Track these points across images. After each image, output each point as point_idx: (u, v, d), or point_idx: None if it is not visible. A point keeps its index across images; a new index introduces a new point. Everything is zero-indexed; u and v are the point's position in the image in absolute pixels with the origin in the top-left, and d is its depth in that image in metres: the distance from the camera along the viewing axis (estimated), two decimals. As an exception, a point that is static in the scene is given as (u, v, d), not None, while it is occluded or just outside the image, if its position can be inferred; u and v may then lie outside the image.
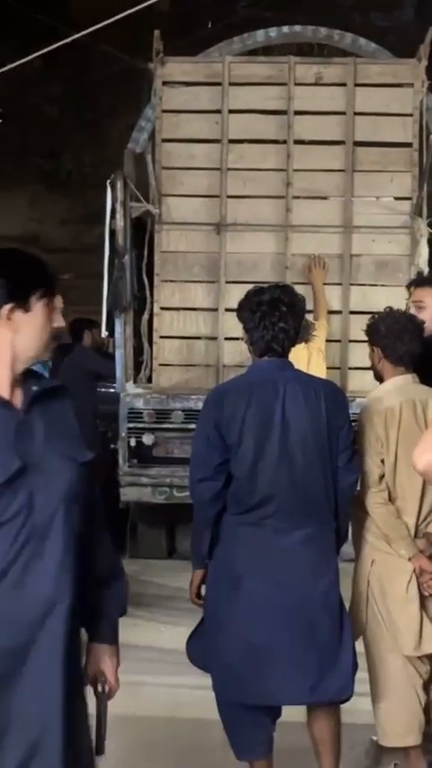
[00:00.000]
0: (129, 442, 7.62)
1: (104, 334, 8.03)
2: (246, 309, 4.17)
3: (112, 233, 7.64)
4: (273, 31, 8.28)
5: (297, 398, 3.99)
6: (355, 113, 7.67)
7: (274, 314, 4.08)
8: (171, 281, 7.67)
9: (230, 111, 7.67)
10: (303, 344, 6.33)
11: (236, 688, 3.98)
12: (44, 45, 8.42)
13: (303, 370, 4.61)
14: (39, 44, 8.52)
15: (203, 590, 4.21)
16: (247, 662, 3.94)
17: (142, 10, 7.95)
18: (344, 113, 7.67)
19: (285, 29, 8.30)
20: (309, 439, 3.99)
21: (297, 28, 8.35)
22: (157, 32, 7.59)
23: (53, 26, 12.17)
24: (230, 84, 7.67)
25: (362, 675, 4.20)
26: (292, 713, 4.18)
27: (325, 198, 7.74)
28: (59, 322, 2.56)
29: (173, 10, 16.12)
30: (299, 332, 4.23)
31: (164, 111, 7.72)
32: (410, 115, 7.66)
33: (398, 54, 8.11)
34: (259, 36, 8.24)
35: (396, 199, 7.71)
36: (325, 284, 7.49)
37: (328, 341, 7.23)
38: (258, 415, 3.95)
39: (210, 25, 15.37)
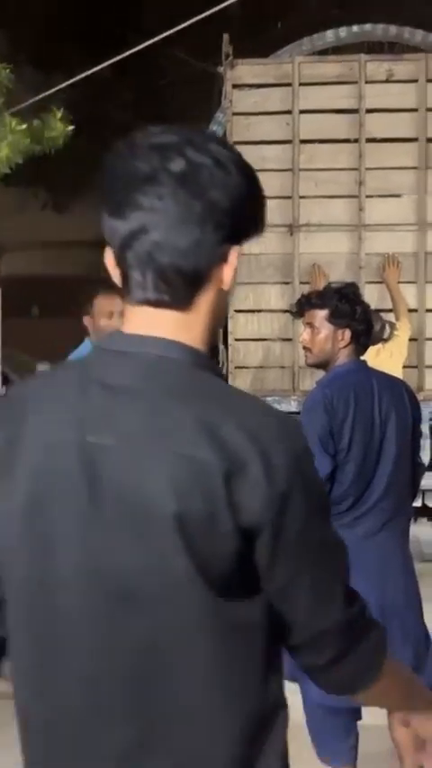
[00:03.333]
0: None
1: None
2: (347, 301, 4.02)
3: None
4: (343, 31, 8.28)
5: (389, 399, 3.97)
6: (428, 109, 7.58)
7: (368, 310, 4.08)
8: (245, 283, 7.65)
9: (301, 112, 7.65)
10: (380, 345, 6.29)
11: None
12: (115, 53, 8.51)
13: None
14: (109, 51, 8.61)
15: None
16: None
17: (211, 14, 8.00)
18: (416, 110, 7.59)
19: (355, 28, 8.28)
20: (401, 440, 3.97)
21: (367, 26, 8.33)
22: (225, 36, 7.63)
23: (123, 34, 12.24)
24: (300, 84, 7.64)
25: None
26: (372, 716, 4.15)
27: (398, 196, 7.66)
28: None
29: (243, 12, 16.11)
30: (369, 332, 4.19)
31: (234, 114, 7.74)
32: None
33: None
34: (329, 36, 8.27)
35: None
36: (399, 282, 7.43)
37: None
38: (362, 419, 3.90)
39: (279, 26, 15.38)
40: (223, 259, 1.64)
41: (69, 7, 15.41)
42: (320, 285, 7.40)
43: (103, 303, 4.99)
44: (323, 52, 8.28)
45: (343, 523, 3.82)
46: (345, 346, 4.02)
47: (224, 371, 7.80)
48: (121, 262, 1.61)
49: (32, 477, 1.57)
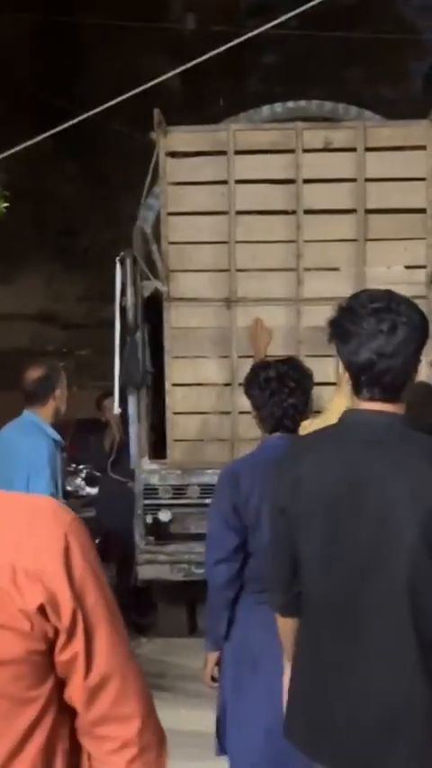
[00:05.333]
0: (145, 519, 7.51)
1: (117, 410, 7.94)
2: (254, 386, 4.11)
3: (123, 310, 7.58)
4: (278, 106, 8.18)
5: None
6: (366, 180, 7.44)
7: (284, 390, 4.04)
8: (182, 357, 7.57)
9: (237, 182, 7.48)
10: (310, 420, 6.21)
11: None
12: (56, 125, 8.54)
13: None
14: (52, 124, 8.64)
15: (216, 672, 4.11)
16: (265, 754, 3.79)
17: (153, 88, 8.07)
18: (354, 180, 7.45)
19: (290, 103, 8.22)
20: None
21: (302, 102, 8.26)
22: (156, 110, 7.39)
23: (64, 106, 12.32)
24: (236, 152, 7.46)
25: None
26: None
27: (337, 269, 7.53)
28: None
29: (184, 88, 16.40)
30: (307, 406, 4.18)
31: (169, 184, 7.54)
32: (423, 179, 7.42)
33: (407, 125, 7.99)
34: (265, 111, 8.13)
35: (407, 268, 7.49)
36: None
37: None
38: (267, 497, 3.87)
39: (221, 102, 15.60)
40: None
41: (9, 80, 15.52)
42: (261, 342, 7.36)
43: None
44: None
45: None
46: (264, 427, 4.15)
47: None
48: (357, 375, 2.75)
49: (313, 498, 2.73)
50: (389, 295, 2.74)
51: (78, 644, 1.74)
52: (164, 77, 8.36)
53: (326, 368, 7.16)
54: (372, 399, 2.73)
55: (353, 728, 2.66)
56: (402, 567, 2.56)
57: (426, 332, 2.77)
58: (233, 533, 3.93)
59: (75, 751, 1.85)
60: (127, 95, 8.06)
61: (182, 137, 7.59)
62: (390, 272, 7.46)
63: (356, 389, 2.78)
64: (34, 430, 5.25)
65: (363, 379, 2.73)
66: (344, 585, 2.67)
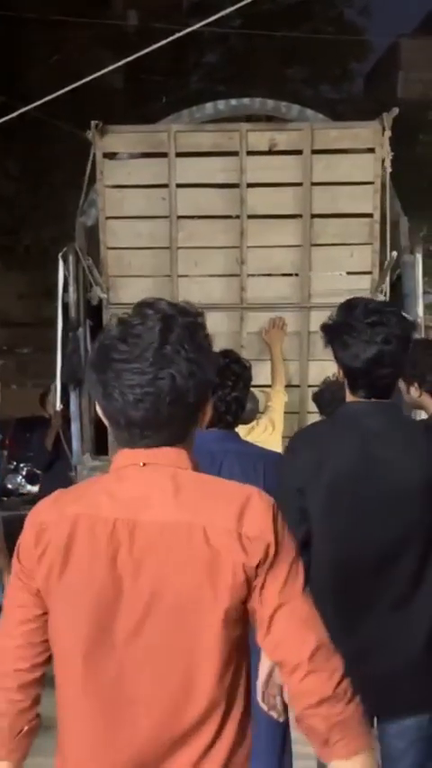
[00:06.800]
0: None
1: (59, 407, 7.90)
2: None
3: (66, 306, 7.51)
4: (221, 104, 7.92)
5: (233, 472, 3.79)
6: (313, 183, 7.18)
7: (226, 384, 3.91)
8: None
9: (178, 186, 7.22)
10: (254, 422, 6.18)
11: None
12: (-1, 122, 8.46)
13: (250, 441, 4.41)
14: (-8, 121, 8.57)
15: None
16: None
17: (96, 87, 8.03)
18: (300, 184, 7.20)
19: (234, 101, 7.97)
20: None
21: (245, 100, 8.03)
22: (93, 122, 7.08)
23: (6, 103, 12.24)
24: (177, 154, 7.19)
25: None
26: None
27: (281, 275, 7.36)
28: None
29: (126, 85, 16.37)
30: (247, 399, 4.09)
31: (106, 187, 7.28)
32: (371, 183, 7.17)
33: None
34: (208, 108, 7.83)
35: (350, 274, 7.33)
36: (285, 359, 7.27)
37: (286, 413, 6.91)
38: None
39: (163, 99, 15.59)
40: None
41: None
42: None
43: None
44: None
45: None
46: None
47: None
48: (355, 379, 3.24)
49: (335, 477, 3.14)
50: (380, 308, 3.21)
51: (278, 586, 2.10)
52: (105, 71, 8.26)
53: (267, 371, 7.15)
54: (367, 398, 3.24)
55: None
56: (417, 511, 3.14)
57: (410, 339, 3.26)
58: None
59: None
60: (67, 89, 7.93)
61: (119, 138, 7.34)
62: (335, 277, 7.34)
63: (353, 389, 3.28)
64: None
65: (360, 382, 3.24)
66: (375, 547, 3.14)
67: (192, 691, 2.05)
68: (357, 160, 7.29)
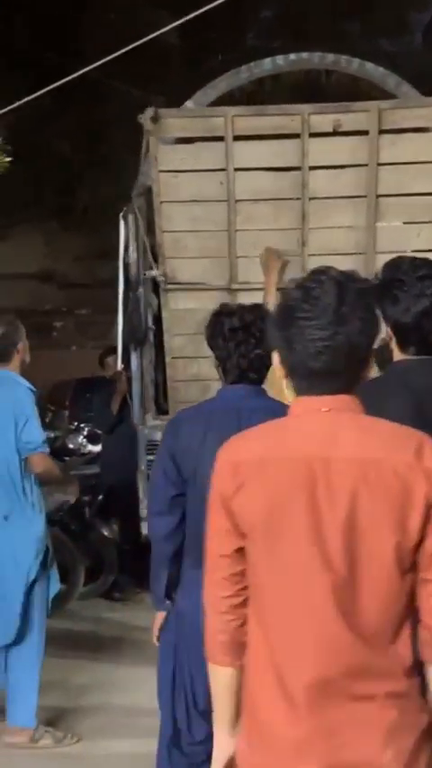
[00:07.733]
0: (148, 475, 7.54)
1: (120, 366, 7.95)
2: (217, 336, 3.80)
3: (126, 266, 7.53)
4: (280, 59, 7.97)
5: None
6: (379, 164, 7.12)
7: (250, 341, 3.74)
8: (183, 334, 7.42)
9: (236, 170, 7.17)
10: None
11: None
12: (55, 82, 8.46)
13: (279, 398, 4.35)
14: (50, 81, 8.57)
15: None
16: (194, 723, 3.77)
17: (152, 45, 7.98)
18: (365, 165, 7.14)
19: (292, 56, 7.98)
20: None
21: (304, 55, 8.04)
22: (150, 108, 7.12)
23: (62, 63, 12.21)
24: (235, 138, 7.10)
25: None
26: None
27: (344, 254, 7.19)
28: None
29: (182, 43, 16.26)
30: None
31: (161, 172, 7.24)
32: None
33: (407, 77, 7.72)
34: (267, 64, 7.93)
35: (416, 252, 7.33)
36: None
37: None
38: (215, 447, 3.02)
39: (220, 57, 15.46)
40: None
41: (6, 37, 15.38)
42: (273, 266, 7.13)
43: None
44: (262, 104, 7.81)
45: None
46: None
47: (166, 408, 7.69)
48: (404, 334, 3.24)
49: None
50: (428, 263, 3.21)
51: None
52: (161, 31, 8.23)
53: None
54: (418, 354, 3.21)
55: None
56: None
57: None
58: (170, 484, 3.72)
59: None
60: (124, 50, 7.94)
61: (174, 123, 7.26)
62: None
63: (403, 347, 3.25)
64: (12, 382, 5.58)
65: (411, 337, 3.22)
66: None
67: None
68: (423, 138, 7.21)
